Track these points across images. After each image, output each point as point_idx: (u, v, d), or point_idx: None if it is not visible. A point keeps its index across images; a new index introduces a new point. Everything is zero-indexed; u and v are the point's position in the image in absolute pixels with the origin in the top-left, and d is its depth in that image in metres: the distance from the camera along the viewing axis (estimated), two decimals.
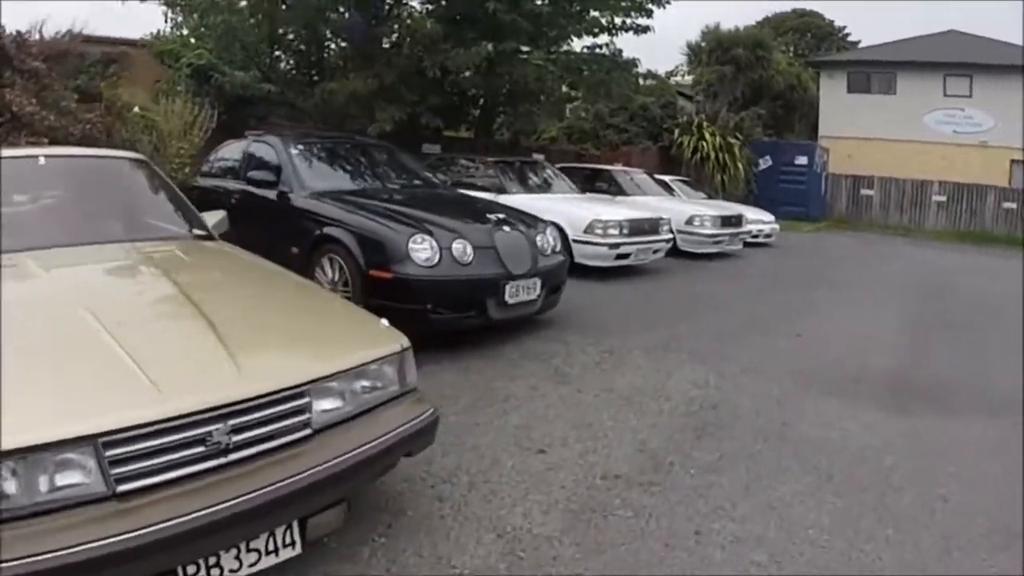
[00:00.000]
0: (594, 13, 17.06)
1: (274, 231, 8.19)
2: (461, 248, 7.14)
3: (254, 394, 2.91)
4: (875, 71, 35.14)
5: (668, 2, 16.97)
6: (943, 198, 32.21)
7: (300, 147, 9.20)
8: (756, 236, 18.98)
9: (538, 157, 20.27)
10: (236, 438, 2.83)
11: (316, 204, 7.98)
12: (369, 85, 16.34)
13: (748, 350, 7.92)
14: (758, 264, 15.75)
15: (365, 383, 3.41)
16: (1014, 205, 31.08)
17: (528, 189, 13.47)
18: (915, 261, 19.44)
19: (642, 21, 17.64)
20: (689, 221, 15.31)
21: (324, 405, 3.20)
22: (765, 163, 30.17)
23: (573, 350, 7.50)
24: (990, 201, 31.52)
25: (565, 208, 12.24)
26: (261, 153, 9.37)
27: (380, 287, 6.95)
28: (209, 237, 5.35)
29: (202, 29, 17.81)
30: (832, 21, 51.84)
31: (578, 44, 18.70)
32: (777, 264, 16.14)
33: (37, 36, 12.23)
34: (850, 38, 50.12)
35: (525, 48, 15.80)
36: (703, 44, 34.20)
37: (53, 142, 10.03)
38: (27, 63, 10.98)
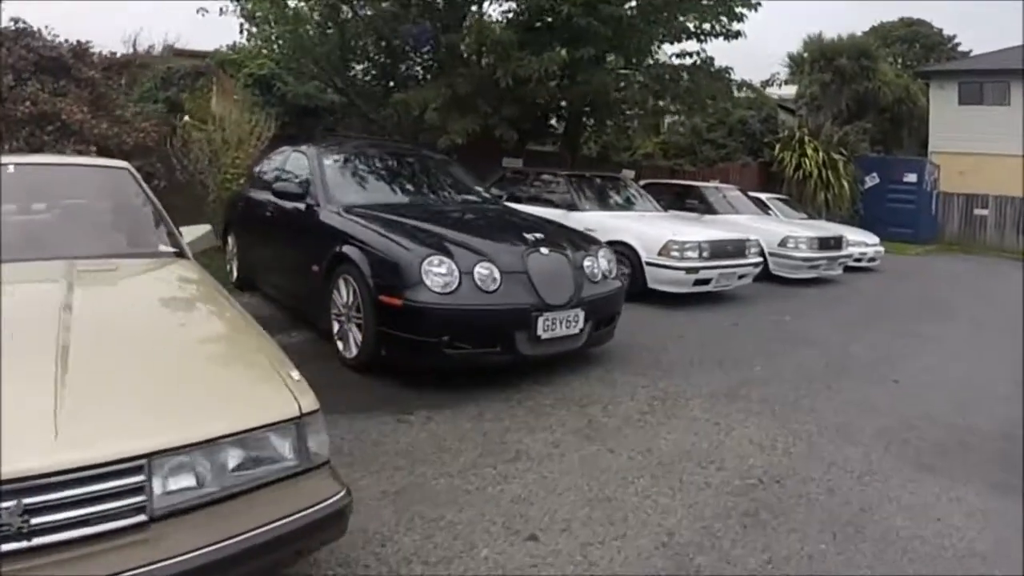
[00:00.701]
0: (680, 18, 15.88)
1: (300, 247, 7.68)
2: (486, 272, 6.16)
3: (61, 467, 2.30)
4: (988, 80, 32.90)
5: (759, 4, 15.68)
6: None
7: (336, 158, 8.44)
8: (859, 260, 17.55)
9: (627, 173, 19.28)
10: (37, 520, 2.25)
11: (340, 220, 7.13)
12: (443, 95, 15.55)
13: (832, 400, 6.77)
14: (858, 292, 14.38)
15: (240, 457, 2.68)
16: None
17: (604, 206, 12.44)
18: None
19: (734, 25, 16.49)
20: (783, 243, 14.06)
21: (173, 484, 2.53)
22: (872, 181, 28.42)
23: (620, 394, 6.45)
24: None
25: (640, 227, 11.20)
26: (294, 164, 8.68)
27: (391, 316, 6.07)
28: (181, 254, 4.87)
29: (273, 39, 17.25)
30: (941, 30, 49.54)
31: (667, 53, 17.69)
32: (880, 292, 14.72)
33: (131, 49, 12.60)
34: (961, 47, 47.80)
35: (609, 56, 14.62)
36: (805, 55, 32.60)
37: (103, 150, 10.09)
38: (84, 72, 11.09)
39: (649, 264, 10.66)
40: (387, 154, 9.28)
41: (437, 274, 6.03)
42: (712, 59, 17.41)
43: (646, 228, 11.14)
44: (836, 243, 14.97)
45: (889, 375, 7.86)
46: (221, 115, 12.44)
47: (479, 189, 9.28)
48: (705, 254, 10.73)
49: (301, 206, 7.69)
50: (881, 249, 18.58)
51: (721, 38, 16.66)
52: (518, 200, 12.47)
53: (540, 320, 6.25)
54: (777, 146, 27.12)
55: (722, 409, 6.21)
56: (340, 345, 6.76)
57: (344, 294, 6.65)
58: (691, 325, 9.69)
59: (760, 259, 12.07)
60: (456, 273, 6.06)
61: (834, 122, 29.37)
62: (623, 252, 10.80)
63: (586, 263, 7.00)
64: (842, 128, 28.63)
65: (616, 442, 5.28)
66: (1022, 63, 30.00)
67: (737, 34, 16.61)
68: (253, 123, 12.64)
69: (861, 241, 17.92)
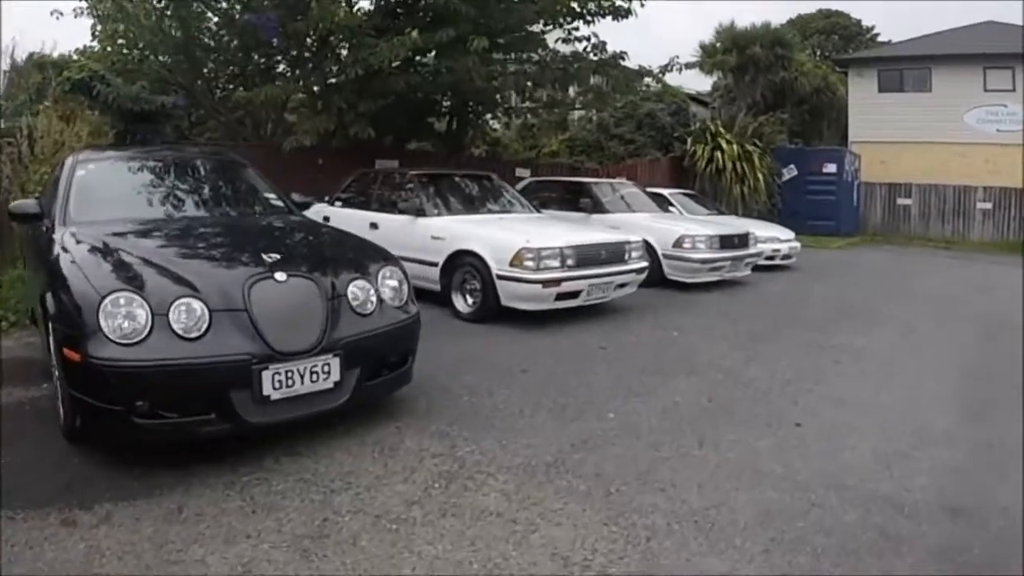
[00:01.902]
0: None
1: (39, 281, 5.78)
2: (189, 311, 4.35)
3: None
4: (908, 67, 31.73)
5: None
6: (988, 205, 29.06)
7: (90, 167, 6.71)
8: (771, 258, 15.96)
9: (522, 172, 17.58)
10: None
11: (65, 242, 5.36)
12: (287, 91, 13.68)
13: (702, 466, 4.97)
14: (768, 296, 12.71)
15: None
16: None
17: (459, 210, 10.62)
18: (965, 282, 16.28)
19: (621, 2, 14.88)
20: (678, 243, 12.30)
21: None
22: (789, 173, 26.94)
23: (394, 469, 4.65)
24: None
25: (491, 233, 9.39)
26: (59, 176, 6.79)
27: (75, 375, 4.38)
28: None
29: (117, 35, 15.39)
30: (859, 21, 48.64)
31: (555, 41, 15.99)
32: (793, 295, 13.08)
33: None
34: (880, 38, 46.76)
35: (476, 41, 12.69)
36: (717, 44, 30.98)
37: None
38: None
39: (500, 277, 8.85)
40: (157, 160, 7.41)
41: (119, 316, 4.25)
42: (604, 43, 15.80)
43: (497, 234, 9.30)
44: (741, 241, 13.23)
45: (790, 414, 6.12)
46: (31, 126, 11.15)
47: (270, 197, 7.48)
48: (570, 262, 8.93)
49: (41, 227, 6.11)
50: (797, 245, 16.94)
51: (608, 17, 15.10)
52: (364, 206, 11.04)
53: (267, 374, 4.43)
54: (689, 140, 25.61)
55: (533, 492, 4.38)
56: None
57: (50, 344, 4.88)
58: (546, 352, 7.87)
59: (645, 264, 10.25)
60: (146, 315, 4.28)
61: (748, 113, 27.85)
62: (472, 264, 9.12)
63: (352, 290, 5.20)
64: (757, 119, 27.09)
65: (340, 562, 3.48)
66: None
67: (627, 12, 15.04)
68: (65, 133, 11.25)
69: (773, 237, 16.28)
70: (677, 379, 7.00)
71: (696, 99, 32.28)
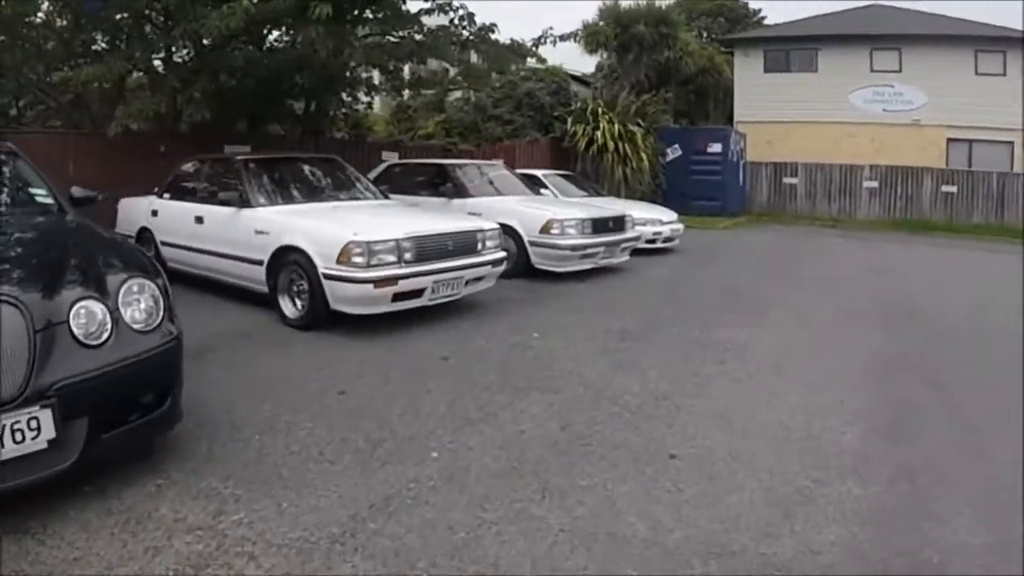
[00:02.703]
0: None
1: None
2: None
3: None
4: (794, 47, 31.44)
5: None
6: (875, 184, 28.53)
7: None
8: (652, 241, 14.84)
9: (388, 155, 16.36)
10: None
11: None
12: (114, 70, 12.04)
13: (540, 530, 3.72)
14: (646, 283, 11.53)
15: None
16: (954, 188, 27.68)
17: (289, 200, 9.20)
18: (856, 263, 15.39)
19: None
20: (545, 229, 10.99)
21: None
22: (674, 152, 26.01)
23: (135, 551, 3.38)
24: (927, 185, 27.98)
25: (317, 226, 7.96)
26: None
27: None
28: None
29: None
30: (746, 3, 48.05)
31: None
32: (674, 281, 11.96)
33: None
34: (766, 22, 46.30)
35: (320, 9, 11.21)
36: (600, 23, 29.82)
37: None
38: None
39: (327, 277, 7.44)
40: None
41: None
42: (471, 14, 14.53)
43: (325, 226, 7.87)
44: (617, 224, 12.00)
45: (662, 441, 4.90)
46: None
47: (37, 192, 5.98)
48: (408, 256, 7.56)
49: None
50: (679, 227, 15.87)
51: None
52: (191, 198, 9.78)
53: None
54: (569, 120, 24.40)
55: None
56: None
57: None
58: (375, 367, 6.51)
59: (502, 254, 8.92)
60: None
61: (632, 93, 26.82)
62: (298, 262, 7.70)
63: (77, 313, 3.80)
64: (640, 98, 26.08)
65: None
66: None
67: None
68: None
69: (654, 219, 15.19)
70: (528, 398, 5.70)
71: (579, 79, 31.17)
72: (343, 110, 18.45)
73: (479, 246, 8.48)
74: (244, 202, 8.67)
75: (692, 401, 5.73)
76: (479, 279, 8.55)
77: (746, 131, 29.02)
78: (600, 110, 24.24)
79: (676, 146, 26.12)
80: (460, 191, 12.07)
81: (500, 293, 9.50)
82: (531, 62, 17.01)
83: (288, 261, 7.86)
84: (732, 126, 29.69)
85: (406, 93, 19.26)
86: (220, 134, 14.13)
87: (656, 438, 4.94)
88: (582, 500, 4.00)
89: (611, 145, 23.25)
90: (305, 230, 7.79)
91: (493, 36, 14.98)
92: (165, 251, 9.95)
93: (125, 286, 4.13)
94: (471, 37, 14.88)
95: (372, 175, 13.24)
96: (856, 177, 28.62)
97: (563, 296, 9.98)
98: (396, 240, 7.49)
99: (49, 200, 5.86)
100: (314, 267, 7.47)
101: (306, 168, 10.29)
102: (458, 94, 25.00)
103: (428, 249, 7.80)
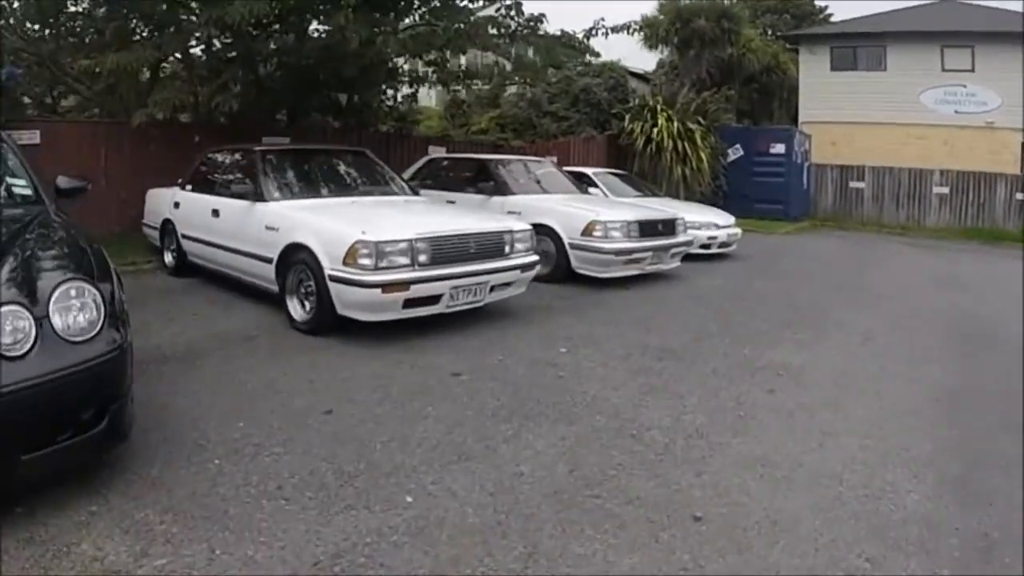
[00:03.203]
0: None
1: None
2: None
3: None
4: (862, 44, 29.92)
5: None
6: (945, 190, 26.99)
7: None
8: (707, 247, 13.96)
9: (436, 150, 15.72)
10: None
11: None
12: (143, 58, 11.50)
13: None
14: (696, 293, 10.59)
15: None
16: None
17: (312, 194, 8.59)
18: (927, 274, 14.36)
19: None
20: (587, 230, 10.17)
21: None
22: (735, 153, 24.91)
23: None
24: (1000, 192, 26.35)
25: (325, 223, 7.25)
26: None
27: None
28: None
29: None
30: (813, 0, 46.72)
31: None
32: (727, 291, 10.98)
33: None
34: (833, 19, 44.93)
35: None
36: (660, 17, 28.89)
37: None
38: None
39: (334, 279, 6.73)
40: None
41: None
42: (519, 3, 13.81)
43: (331, 224, 7.15)
44: (667, 228, 11.14)
45: (688, 496, 4.05)
46: None
47: (16, 182, 5.45)
48: (423, 258, 6.80)
49: None
50: (737, 231, 14.95)
51: None
52: (210, 190, 9.17)
53: None
54: (626, 117, 23.44)
55: None
56: None
57: None
58: (374, 382, 5.77)
59: (533, 258, 8.13)
60: None
61: (692, 90, 25.87)
62: (306, 262, 7.03)
63: None
64: (700, 95, 25.12)
65: None
66: None
67: None
68: None
69: (709, 222, 14.28)
70: (538, 429, 4.91)
71: (638, 75, 30.29)
72: (387, 103, 17.75)
73: (507, 248, 7.70)
74: (258, 196, 8.04)
75: (731, 440, 4.88)
76: (507, 284, 7.78)
77: (811, 132, 27.79)
78: (659, 107, 23.21)
79: (738, 146, 24.99)
80: (500, 188, 11.30)
81: (533, 300, 8.76)
82: (586, 55, 16.10)
83: (296, 260, 7.20)
84: (796, 126, 28.42)
85: (457, 87, 18.49)
86: (258, 126, 13.64)
87: (681, 490, 4.10)
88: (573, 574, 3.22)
89: (669, 144, 22.24)
90: (315, 227, 7.11)
91: (542, 27, 14.26)
92: (185, 244, 9.48)
93: (59, 291, 3.54)
94: (519, 28, 14.14)
95: (412, 170, 12.65)
96: (926, 182, 27.12)
97: (603, 305, 9.16)
98: (409, 240, 6.74)
99: (28, 191, 5.27)
100: (320, 268, 6.79)
101: (329, 161, 9.62)
102: (513, 89, 24.36)
103: (446, 251, 7.04)
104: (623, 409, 5.38)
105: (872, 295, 11.34)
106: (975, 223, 26.18)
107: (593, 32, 14.64)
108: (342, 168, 9.52)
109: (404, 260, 6.69)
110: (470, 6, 13.80)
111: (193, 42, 12.52)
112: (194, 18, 11.90)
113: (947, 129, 27.77)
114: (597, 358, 6.72)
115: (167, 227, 10.04)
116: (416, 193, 9.49)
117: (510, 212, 10.43)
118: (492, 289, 7.57)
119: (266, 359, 6.27)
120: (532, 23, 14.10)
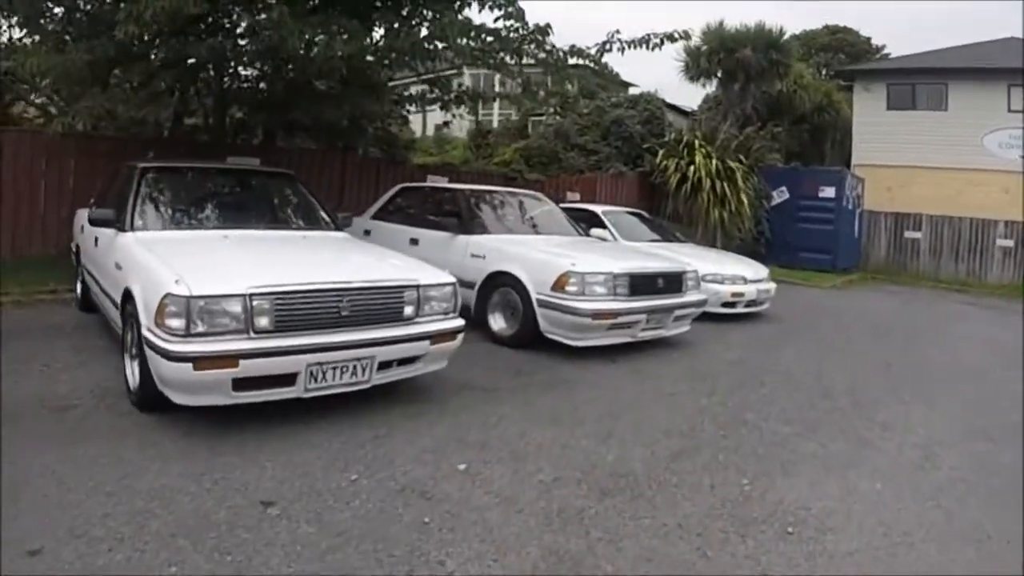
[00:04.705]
0: None
1: None
2: None
3: None
4: (921, 81, 27.62)
5: None
6: (1010, 243, 24.47)
7: None
8: (731, 304, 11.62)
9: (435, 179, 13.83)
10: None
11: None
12: (67, 60, 9.64)
13: None
14: (702, 368, 8.22)
15: None
16: None
17: (201, 223, 6.79)
18: (993, 343, 12.00)
19: None
20: (559, 283, 7.86)
21: None
22: (780, 196, 22.60)
23: None
24: None
25: (153, 268, 5.17)
26: None
27: None
28: None
29: None
30: (869, 38, 44.39)
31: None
32: (743, 366, 8.56)
33: None
34: (890, 57, 42.60)
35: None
36: (703, 47, 26.55)
37: None
38: None
39: (149, 345, 4.65)
40: None
41: None
42: (521, 10, 11.67)
43: (158, 270, 5.03)
44: (671, 283, 8.71)
45: None
46: None
47: None
48: (263, 322, 4.71)
49: None
50: (771, 287, 12.57)
51: None
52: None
53: None
54: (660, 152, 21.20)
55: None
56: None
57: None
58: (152, 507, 3.60)
59: (455, 323, 5.85)
60: None
61: (734, 125, 23.65)
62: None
63: None
64: (743, 132, 22.87)
65: None
66: None
67: None
68: None
69: (735, 276, 11.90)
70: None
71: (677, 109, 28.17)
72: (379, 126, 15.75)
73: (408, 309, 5.50)
74: (120, 224, 6.26)
75: None
76: (409, 360, 5.59)
77: (864, 175, 25.47)
78: (696, 143, 21.02)
79: (783, 188, 22.67)
80: (467, 226, 9.13)
81: (474, 373, 6.63)
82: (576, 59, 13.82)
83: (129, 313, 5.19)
84: (848, 169, 25.92)
85: (458, 111, 16.34)
86: (226, 144, 12.40)
87: None
88: None
89: (707, 183, 20.07)
90: (143, 269, 5.23)
91: (549, 40, 12.12)
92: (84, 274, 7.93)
93: None
94: (524, 38, 12.01)
95: (381, 201, 10.66)
96: (988, 233, 24.71)
97: (565, 388, 6.83)
98: (242, 296, 4.62)
99: None
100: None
101: (231, 185, 7.51)
102: (541, 119, 22.47)
103: (302, 312, 4.90)
104: None
105: (933, 377, 8.91)
106: None
107: (608, 47, 12.41)
108: (243, 195, 7.43)
109: (234, 324, 4.59)
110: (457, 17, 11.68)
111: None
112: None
113: (1010, 176, 25.54)
114: (504, 487, 4.44)
115: (77, 254, 8.50)
116: (338, 228, 7.34)
117: (474, 255, 8.46)
118: (382, 367, 5.35)
119: (61, 443, 4.48)
120: (535, 35, 11.95)
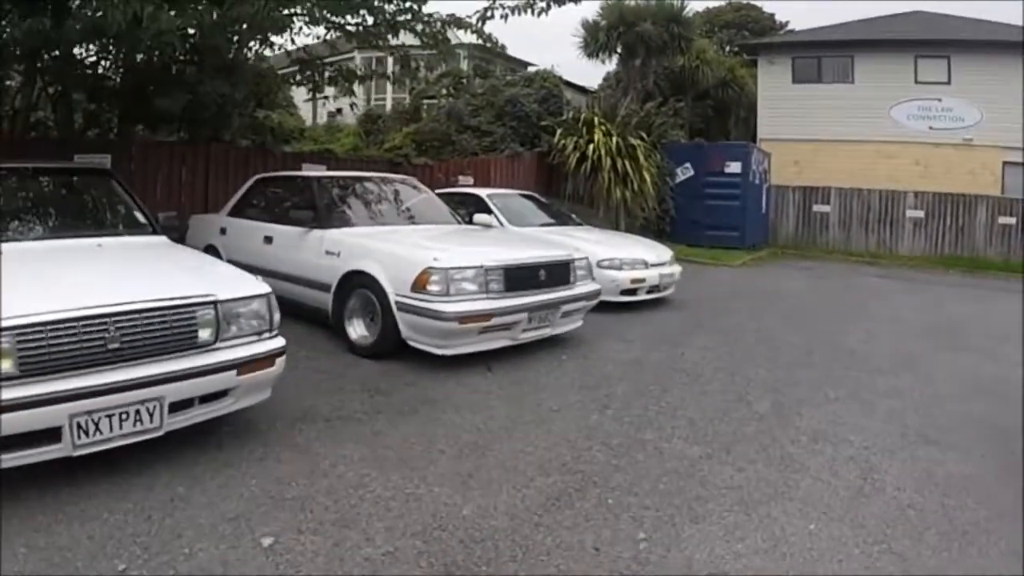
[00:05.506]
0: None
1: None
2: None
3: None
4: (827, 54, 27.39)
5: None
6: (920, 213, 24.23)
7: None
8: (632, 291, 10.58)
9: (312, 168, 12.81)
10: None
11: None
12: None
13: None
14: (592, 371, 7.18)
15: None
16: (1012, 220, 23.31)
17: None
18: (912, 318, 11.25)
19: None
20: (419, 284, 6.66)
21: None
22: (685, 172, 21.73)
23: None
24: (980, 215, 23.69)
25: None
26: None
27: None
28: None
29: None
30: (773, 15, 44.00)
31: None
32: (640, 367, 7.50)
33: None
34: (795, 32, 42.32)
35: None
36: (602, 22, 25.54)
37: None
38: None
39: None
40: None
41: None
42: None
43: None
44: (556, 274, 7.57)
45: None
46: None
47: None
48: (5, 366, 3.46)
49: None
50: (675, 270, 11.56)
51: None
52: None
53: None
54: (557, 131, 20.16)
55: None
56: None
57: None
58: None
59: (274, 345, 4.61)
60: None
61: (635, 101, 22.74)
62: None
63: None
64: (644, 107, 21.97)
65: None
66: None
67: None
68: None
69: (635, 260, 10.86)
70: None
71: (577, 87, 27.20)
72: (244, 112, 14.41)
73: (203, 333, 4.28)
74: None
75: None
76: (210, 398, 4.36)
77: (771, 150, 24.92)
78: (596, 120, 20.05)
79: (687, 165, 21.81)
80: (322, 219, 7.90)
81: (310, 399, 5.45)
82: (464, 35, 12.61)
83: None
84: (755, 144, 25.28)
85: (331, 90, 15.02)
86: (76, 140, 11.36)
87: None
88: None
89: (607, 162, 19.09)
90: None
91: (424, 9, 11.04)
92: None
93: None
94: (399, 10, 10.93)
95: (238, 195, 9.42)
96: (898, 205, 24.43)
97: (423, 412, 5.65)
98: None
99: None
100: None
101: (19, 184, 6.18)
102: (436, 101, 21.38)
103: (52, 354, 3.65)
104: None
105: (859, 366, 7.95)
106: (953, 250, 23.84)
107: (489, 15, 11.30)
108: (35, 199, 6.14)
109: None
110: None
111: None
112: None
113: (920, 147, 25.66)
114: (315, 571, 3.31)
115: None
116: (156, 232, 6.09)
117: (328, 252, 7.30)
118: (177, 408, 4.14)
119: None
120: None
